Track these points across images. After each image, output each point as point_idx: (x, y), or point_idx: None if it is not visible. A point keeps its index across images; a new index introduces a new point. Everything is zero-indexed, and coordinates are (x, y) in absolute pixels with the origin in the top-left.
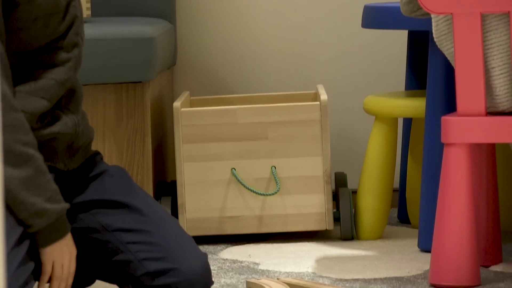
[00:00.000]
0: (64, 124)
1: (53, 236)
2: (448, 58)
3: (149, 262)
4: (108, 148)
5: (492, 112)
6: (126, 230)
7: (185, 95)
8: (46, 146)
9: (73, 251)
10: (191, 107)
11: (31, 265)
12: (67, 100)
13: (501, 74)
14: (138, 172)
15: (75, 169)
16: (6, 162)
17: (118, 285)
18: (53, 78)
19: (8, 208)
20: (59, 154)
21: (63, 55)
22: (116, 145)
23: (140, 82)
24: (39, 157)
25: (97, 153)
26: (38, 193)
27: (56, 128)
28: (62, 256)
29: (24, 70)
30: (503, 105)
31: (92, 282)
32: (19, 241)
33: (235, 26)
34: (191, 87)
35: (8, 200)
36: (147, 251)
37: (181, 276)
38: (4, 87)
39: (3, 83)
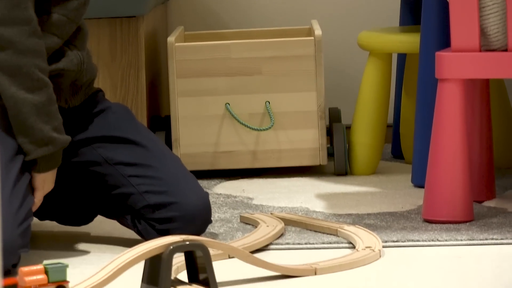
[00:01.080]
0: (70, 61)
1: (51, 164)
2: None
3: (150, 195)
4: (102, 83)
5: (487, 50)
6: (129, 164)
7: (179, 30)
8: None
9: (54, 179)
10: (185, 42)
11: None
12: (73, 36)
13: (491, 14)
14: (132, 107)
15: (76, 107)
16: (22, 85)
17: (117, 219)
18: (65, 14)
19: (8, 132)
20: (63, 91)
21: None
22: (110, 80)
23: (134, 16)
24: (51, 85)
25: (99, 90)
26: (47, 120)
27: (61, 64)
28: (50, 183)
29: (37, 2)
30: (495, 44)
31: (92, 219)
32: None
33: None
34: (185, 22)
35: (14, 123)
36: (149, 184)
37: (181, 210)
38: (32, 11)
39: (31, 7)
